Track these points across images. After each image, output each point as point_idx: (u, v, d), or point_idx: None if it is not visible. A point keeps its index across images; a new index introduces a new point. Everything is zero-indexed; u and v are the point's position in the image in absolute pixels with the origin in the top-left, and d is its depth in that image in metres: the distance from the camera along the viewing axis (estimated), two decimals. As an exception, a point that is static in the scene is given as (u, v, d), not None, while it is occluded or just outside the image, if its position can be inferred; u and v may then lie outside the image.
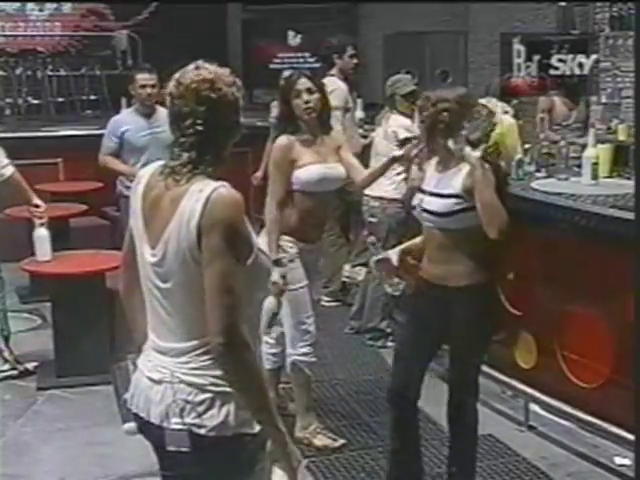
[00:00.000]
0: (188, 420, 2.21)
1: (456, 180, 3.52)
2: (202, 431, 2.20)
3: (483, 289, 3.56)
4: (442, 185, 3.57)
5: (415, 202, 3.67)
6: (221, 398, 2.21)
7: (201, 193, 2.16)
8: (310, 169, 4.20)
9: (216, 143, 2.27)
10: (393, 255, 3.81)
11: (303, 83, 4.18)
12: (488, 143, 3.59)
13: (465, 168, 3.50)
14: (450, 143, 3.46)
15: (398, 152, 4.17)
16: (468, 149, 3.44)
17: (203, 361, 2.22)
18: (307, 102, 4.17)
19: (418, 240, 3.82)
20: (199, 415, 2.21)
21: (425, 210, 3.60)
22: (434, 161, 3.70)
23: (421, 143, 3.75)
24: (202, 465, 2.23)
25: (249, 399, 2.20)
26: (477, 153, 3.44)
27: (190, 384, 2.22)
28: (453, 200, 3.51)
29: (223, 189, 2.17)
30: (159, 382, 2.26)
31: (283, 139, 4.22)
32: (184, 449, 2.22)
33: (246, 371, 2.16)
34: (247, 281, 2.20)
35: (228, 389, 2.20)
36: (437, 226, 3.56)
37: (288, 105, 4.22)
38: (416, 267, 3.77)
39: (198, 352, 2.22)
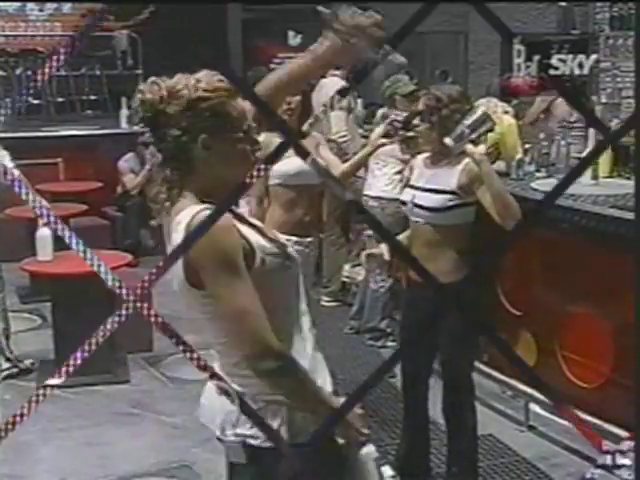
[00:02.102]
0: (242, 431, 2.16)
1: (450, 177, 3.59)
2: (256, 442, 2.14)
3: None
4: (435, 181, 3.63)
5: (406, 198, 3.74)
6: (272, 407, 2.15)
7: (180, 225, 2.10)
8: (288, 161, 4.27)
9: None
10: (385, 250, 3.85)
11: None
12: (486, 141, 3.64)
13: (459, 165, 3.55)
14: (448, 140, 3.49)
15: (383, 140, 4.23)
16: (470, 146, 3.46)
17: (249, 374, 2.15)
18: (289, 104, 4.23)
19: (402, 237, 3.88)
20: (252, 426, 2.15)
21: (417, 205, 3.66)
22: (422, 157, 3.77)
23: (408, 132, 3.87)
24: (261, 478, 2.18)
25: (301, 406, 2.15)
26: (480, 149, 3.47)
27: (242, 394, 2.16)
28: (447, 196, 3.58)
29: (201, 216, 2.07)
30: (220, 393, 2.22)
31: (260, 137, 4.30)
32: (241, 461, 2.17)
33: (289, 382, 2.12)
34: (262, 284, 2.13)
35: (279, 397, 2.15)
36: (428, 221, 3.62)
37: None
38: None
39: (242, 367, 2.14)
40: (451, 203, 3.57)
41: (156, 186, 2.19)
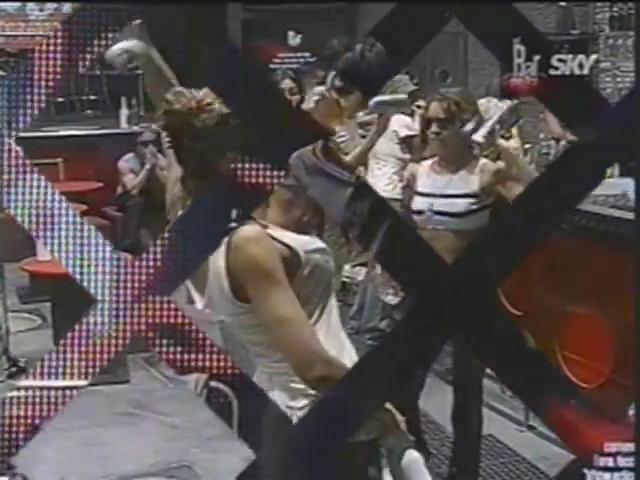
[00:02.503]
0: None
1: (468, 179, 3.57)
2: None
3: None
4: (454, 186, 3.59)
5: (422, 207, 3.66)
6: None
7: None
8: None
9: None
10: None
11: (286, 84, 4.25)
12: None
13: (475, 167, 3.53)
14: (478, 137, 3.45)
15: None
16: (504, 141, 3.44)
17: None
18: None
19: None
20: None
21: (439, 212, 3.61)
22: (428, 163, 3.71)
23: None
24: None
25: None
26: (512, 143, 3.45)
27: (289, 389, 2.15)
28: (470, 199, 3.56)
29: (240, 232, 2.05)
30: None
31: None
32: None
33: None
34: (308, 282, 2.12)
35: None
36: (450, 228, 3.57)
37: None
38: None
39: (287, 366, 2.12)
40: (473, 207, 3.56)
41: (177, 204, 2.16)
